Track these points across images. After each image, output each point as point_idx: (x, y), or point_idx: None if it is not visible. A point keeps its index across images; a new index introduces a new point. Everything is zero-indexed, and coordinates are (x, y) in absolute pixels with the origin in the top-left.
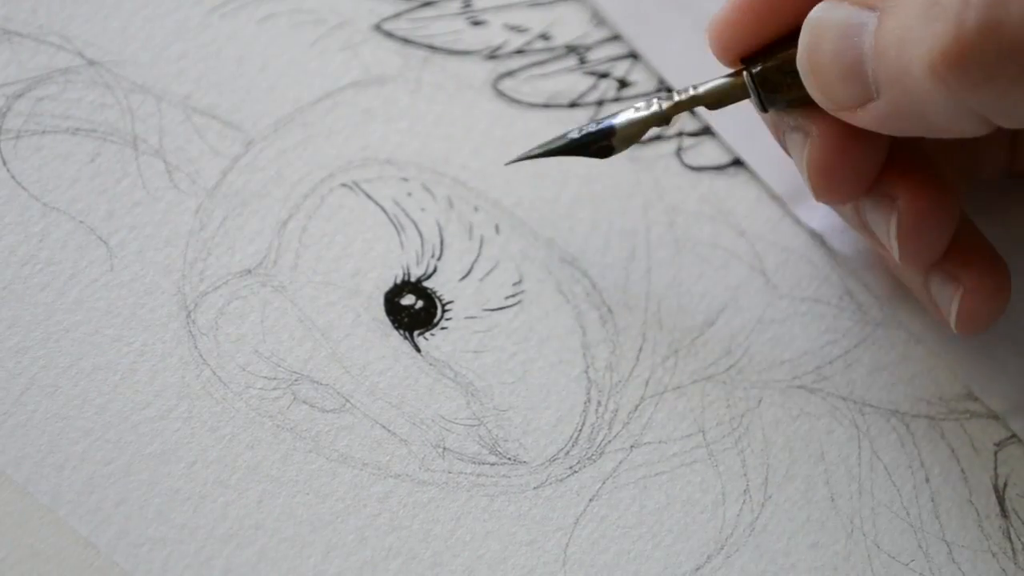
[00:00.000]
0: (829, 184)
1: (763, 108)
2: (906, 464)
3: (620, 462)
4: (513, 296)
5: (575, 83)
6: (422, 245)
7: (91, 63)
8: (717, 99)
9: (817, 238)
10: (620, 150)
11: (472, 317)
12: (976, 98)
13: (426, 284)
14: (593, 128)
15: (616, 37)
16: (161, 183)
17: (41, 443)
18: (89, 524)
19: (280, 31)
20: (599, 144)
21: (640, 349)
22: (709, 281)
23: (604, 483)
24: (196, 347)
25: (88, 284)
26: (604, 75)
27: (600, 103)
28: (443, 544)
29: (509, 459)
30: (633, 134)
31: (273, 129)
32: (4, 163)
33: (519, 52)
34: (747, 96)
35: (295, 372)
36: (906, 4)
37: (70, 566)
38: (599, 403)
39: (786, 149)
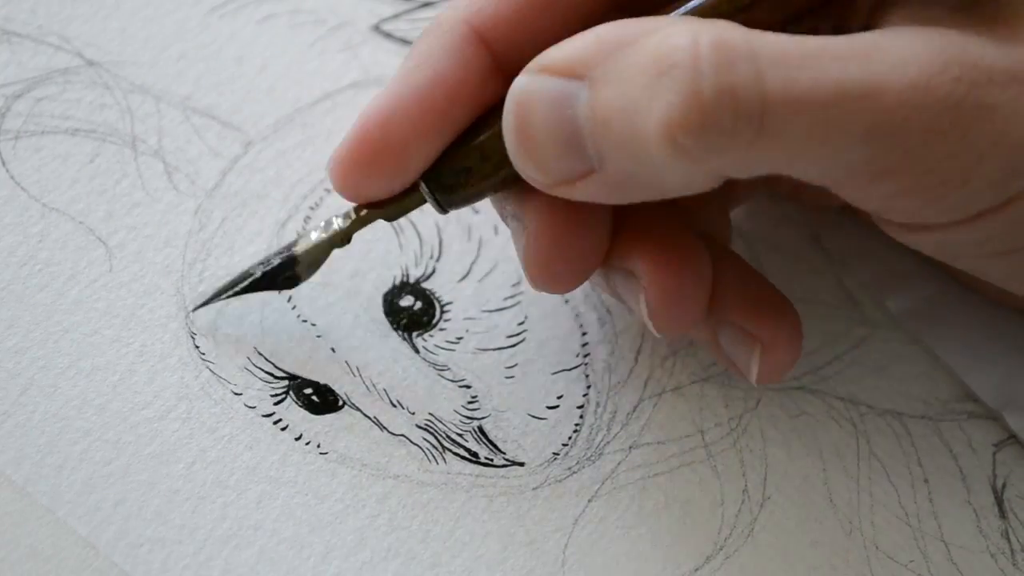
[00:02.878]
0: (548, 275)
1: (442, 210)
2: (904, 464)
3: (619, 463)
4: (512, 297)
5: None
6: (421, 246)
7: (90, 63)
8: (396, 210)
9: (815, 239)
10: (306, 277)
11: (471, 318)
12: (713, 161)
13: (425, 285)
14: (276, 262)
15: None
16: (160, 184)
17: (40, 443)
18: (88, 524)
19: (279, 32)
20: (284, 275)
21: (639, 350)
22: None
23: (603, 484)
24: (195, 347)
25: (87, 285)
26: None
27: None
28: (442, 545)
29: (508, 460)
30: (316, 259)
31: (273, 130)
32: (3, 164)
33: None
34: (424, 201)
35: (294, 373)
36: (622, 72)
37: (69, 566)
38: (598, 404)
39: (508, 225)
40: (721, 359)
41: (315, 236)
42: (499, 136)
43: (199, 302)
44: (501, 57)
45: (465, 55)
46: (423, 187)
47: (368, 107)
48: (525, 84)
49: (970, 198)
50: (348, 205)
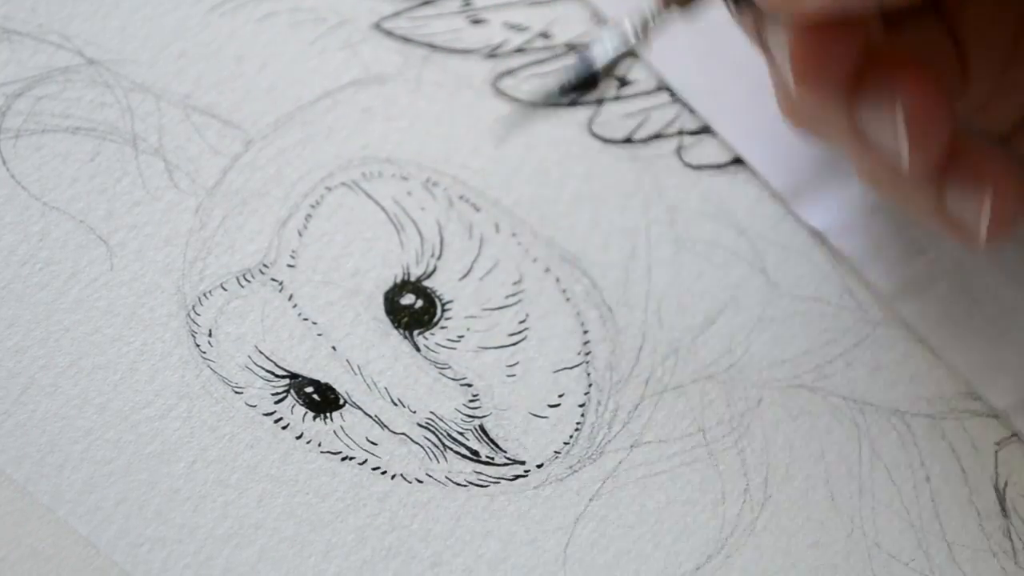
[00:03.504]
0: (812, 71)
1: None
2: (906, 463)
3: (620, 461)
4: (513, 295)
5: None
6: (422, 244)
7: (91, 62)
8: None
9: (817, 236)
10: (604, 82)
11: (472, 316)
12: None
13: (426, 283)
14: (583, 71)
15: None
16: (161, 182)
17: (41, 443)
18: (89, 523)
19: (280, 30)
20: (588, 86)
21: (640, 348)
22: (709, 280)
23: (604, 483)
24: (196, 346)
25: (88, 283)
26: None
27: (600, 101)
28: (443, 544)
29: (509, 458)
30: (613, 67)
31: (273, 128)
32: (4, 162)
33: (519, 51)
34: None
35: (295, 371)
36: None
37: (70, 566)
38: (599, 402)
39: (767, 52)
40: (945, 226)
41: (610, 44)
42: None
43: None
44: None
45: None
46: None
47: None
48: None
49: None
50: None
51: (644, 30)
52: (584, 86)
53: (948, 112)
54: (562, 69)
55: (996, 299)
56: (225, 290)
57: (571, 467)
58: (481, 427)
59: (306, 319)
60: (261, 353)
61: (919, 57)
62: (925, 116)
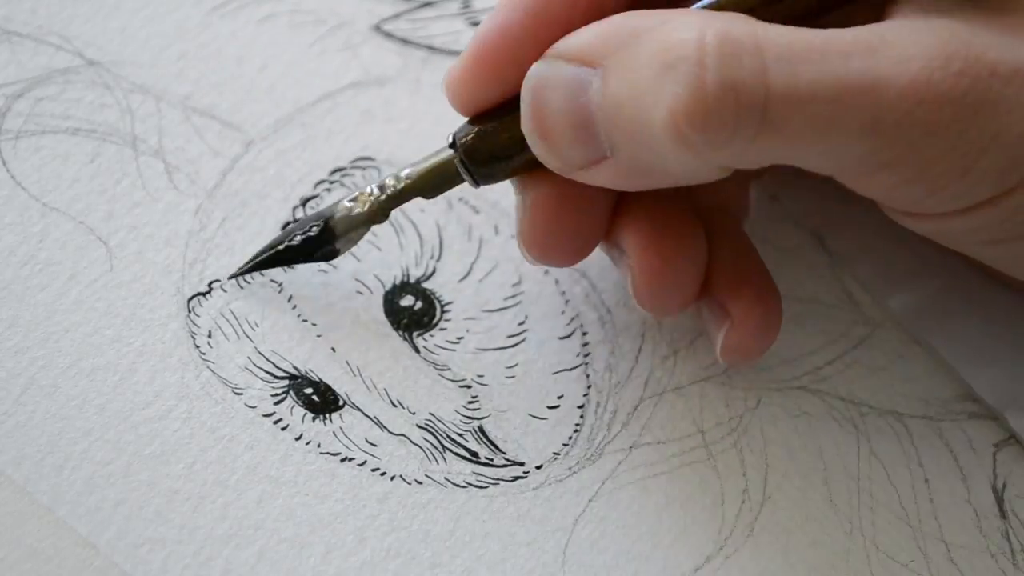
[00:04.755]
0: (545, 252)
1: (476, 184)
2: (905, 464)
3: (619, 463)
4: (512, 297)
5: None
6: (421, 246)
7: (91, 63)
8: (432, 185)
9: (816, 238)
10: (344, 251)
11: (471, 318)
12: (718, 154)
13: (425, 285)
14: (313, 232)
15: None
16: (161, 183)
17: (41, 443)
18: (88, 524)
19: (280, 31)
20: (322, 249)
21: (639, 350)
22: None
23: (603, 484)
24: (196, 347)
25: (87, 284)
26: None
27: None
28: (442, 545)
29: (508, 460)
30: (353, 233)
31: (273, 129)
32: (4, 163)
33: None
34: (461, 180)
35: (294, 373)
36: (632, 62)
37: (69, 566)
38: (598, 404)
39: (517, 214)
40: (704, 330)
41: (351, 206)
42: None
43: (238, 270)
44: None
45: None
46: (458, 165)
47: (486, 22)
48: (541, 70)
49: (970, 189)
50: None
51: (385, 208)
52: (322, 251)
53: (683, 275)
54: (296, 225)
55: (992, 299)
56: (225, 291)
57: (570, 468)
58: (480, 428)
59: (305, 320)
60: (260, 354)
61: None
62: (650, 287)
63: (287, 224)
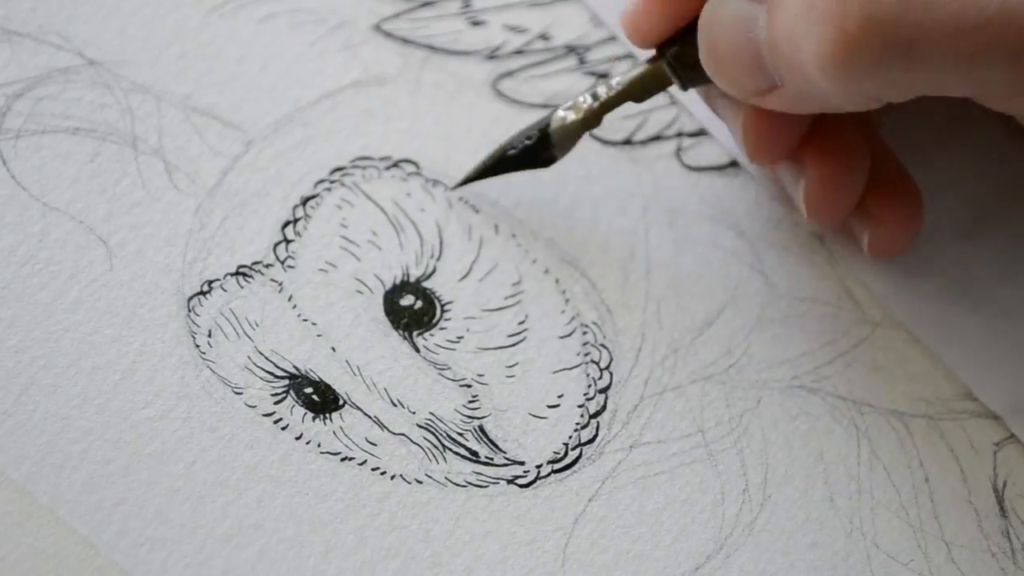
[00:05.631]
0: (761, 148)
1: (684, 88)
2: (905, 464)
3: (619, 462)
4: (512, 296)
5: (574, 83)
6: (421, 245)
7: (91, 63)
8: (642, 89)
9: (816, 238)
10: (560, 157)
11: (471, 317)
12: (866, 86)
13: (425, 284)
14: (529, 142)
15: (615, 37)
16: (161, 183)
17: (41, 443)
18: (88, 524)
19: (280, 31)
20: (541, 155)
21: (639, 349)
22: (708, 281)
23: (603, 483)
24: (196, 347)
25: (87, 284)
26: (603, 75)
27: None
28: (442, 544)
29: (509, 459)
30: (568, 139)
31: (273, 129)
32: (4, 163)
33: (519, 52)
34: (670, 83)
35: (294, 372)
36: (788, 2)
37: (70, 566)
38: (598, 403)
39: (718, 114)
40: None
41: (565, 114)
42: None
43: (463, 179)
44: None
45: None
46: (667, 69)
47: None
48: (713, 7)
49: None
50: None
51: (598, 113)
52: (541, 157)
53: (846, 188)
54: (514, 137)
55: (993, 299)
56: (225, 291)
57: (570, 468)
58: (480, 428)
59: (305, 320)
60: (261, 354)
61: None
62: (820, 194)
63: (287, 224)
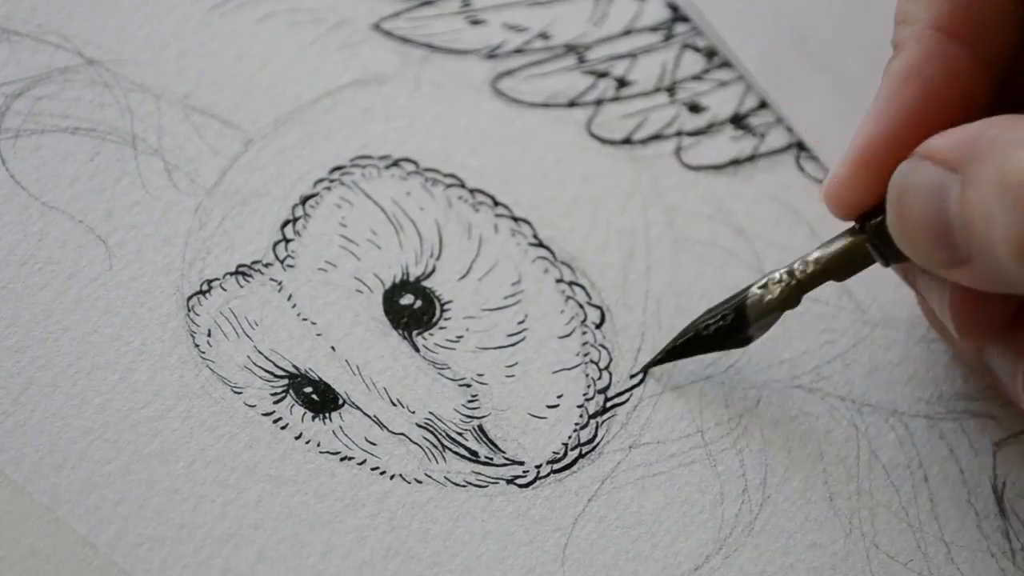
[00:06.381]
0: (969, 325)
1: (886, 264)
2: (904, 464)
3: (619, 462)
4: (512, 296)
5: (574, 82)
6: (421, 245)
7: (90, 62)
8: (845, 267)
9: (815, 237)
10: (757, 337)
11: (471, 317)
12: None
13: (425, 284)
14: (726, 321)
15: (614, 37)
16: (160, 182)
17: (40, 442)
18: (88, 523)
19: (279, 30)
20: (736, 337)
21: (639, 349)
22: (708, 281)
23: (603, 483)
24: (195, 346)
25: (87, 283)
26: (603, 74)
27: (599, 102)
28: (442, 544)
29: (508, 459)
30: (767, 320)
31: (272, 128)
32: (3, 162)
33: (518, 51)
34: (872, 261)
35: (294, 371)
36: (983, 179)
37: (69, 566)
38: (598, 403)
39: (918, 290)
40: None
41: (762, 293)
42: None
43: (651, 360)
44: (981, 53)
45: (948, 57)
46: (870, 247)
47: (865, 126)
48: (907, 170)
49: None
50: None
51: (798, 294)
52: (736, 340)
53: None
54: (710, 312)
55: None
56: (224, 290)
57: (569, 468)
58: (480, 427)
59: (305, 319)
60: (260, 353)
61: None
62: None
63: (287, 223)
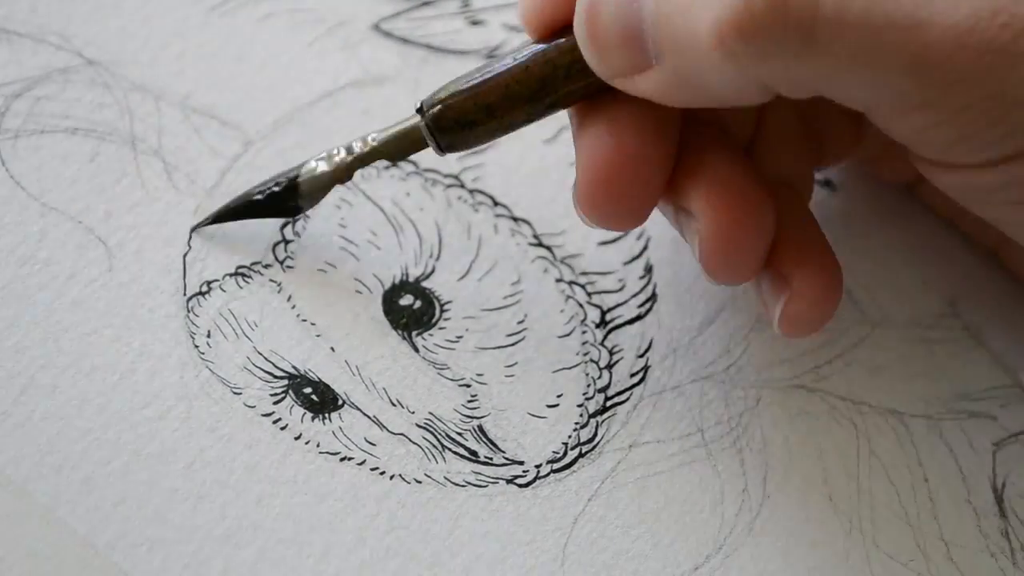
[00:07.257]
0: (599, 210)
1: (440, 152)
2: (904, 463)
3: (619, 462)
4: (512, 296)
5: None
6: (420, 245)
7: (90, 63)
8: (397, 149)
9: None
10: (307, 208)
11: (470, 317)
12: (761, 69)
13: (424, 284)
14: (277, 188)
15: None
16: (160, 183)
17: (40, 443)
18: (88, 524)
19: (279, 30)
20: (286, 203)
21: (640, 348)
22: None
23: (603, 483)
24: (195, 347)
25: (87, 284)
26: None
27: None
28: (442, 544)
29: (508, 459)
30: (317, 191)
31: (272, 129)
32: (3, 163)
33: None
34: (425, 145)
35: (293, 372)
36: None
37: (69, 566)
38: (598, 402)
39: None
40: (760, 302)
41: (317, 166)
42: (502, 86)
43: (203, 220)
44: None
45: None
46: (424, 131)
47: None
48: None
49: (1000, 140)
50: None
51: (350, 167)
52: (287, 204)
53: (748, 242)
54: (264, 183)
55: None
56: (224, 291)
57: (569, 467)
58: (480, 427)
59: (304, 320)
60: (260, 354)
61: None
62: (719, 248)
63: (286, 224)
